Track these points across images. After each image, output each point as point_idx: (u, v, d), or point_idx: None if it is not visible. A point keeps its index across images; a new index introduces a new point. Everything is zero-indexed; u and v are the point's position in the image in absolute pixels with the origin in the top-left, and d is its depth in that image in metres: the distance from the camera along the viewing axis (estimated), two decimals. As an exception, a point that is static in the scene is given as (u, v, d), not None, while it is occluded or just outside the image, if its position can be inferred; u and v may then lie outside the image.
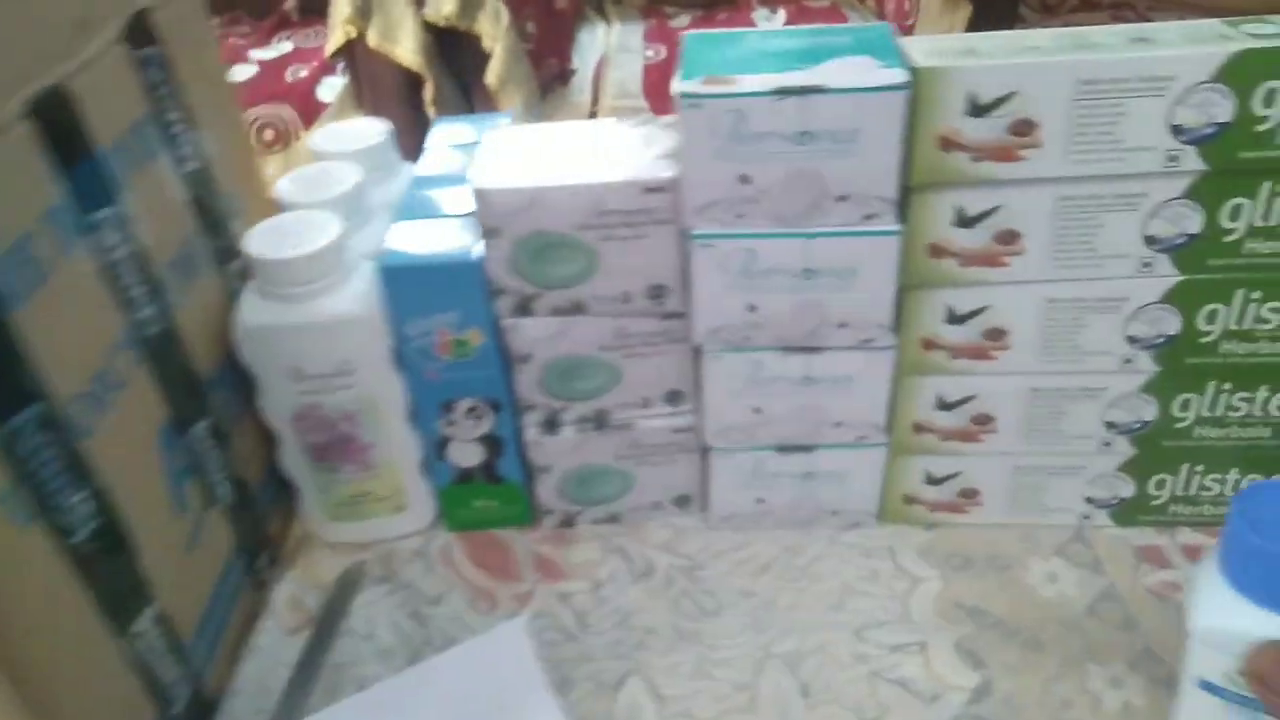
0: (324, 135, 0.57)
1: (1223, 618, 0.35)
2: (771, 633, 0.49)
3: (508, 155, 0.48)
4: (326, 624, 0.51)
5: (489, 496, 0.55)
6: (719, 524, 0.55)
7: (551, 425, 0.53)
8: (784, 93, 0.41)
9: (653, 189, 0.45)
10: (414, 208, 0.52)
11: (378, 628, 0.52)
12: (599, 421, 0.53)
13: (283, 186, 0.53)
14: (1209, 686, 0.36)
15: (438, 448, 0.54)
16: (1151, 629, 0.48)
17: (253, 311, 0.48)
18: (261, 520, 0.55)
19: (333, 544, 0.56)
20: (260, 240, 0.48)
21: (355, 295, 0.48)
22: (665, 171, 0.45)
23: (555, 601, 0.52)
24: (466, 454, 0.54)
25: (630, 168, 0.45)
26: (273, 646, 0.51)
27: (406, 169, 0.58)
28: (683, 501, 0.56)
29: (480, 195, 0.45)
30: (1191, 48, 0.40)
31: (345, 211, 0.51)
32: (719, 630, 0.50)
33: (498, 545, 0.56)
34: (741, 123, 0.42)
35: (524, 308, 0.49)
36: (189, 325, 0.47)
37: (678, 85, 0.41)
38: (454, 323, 0.49)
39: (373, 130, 0.57)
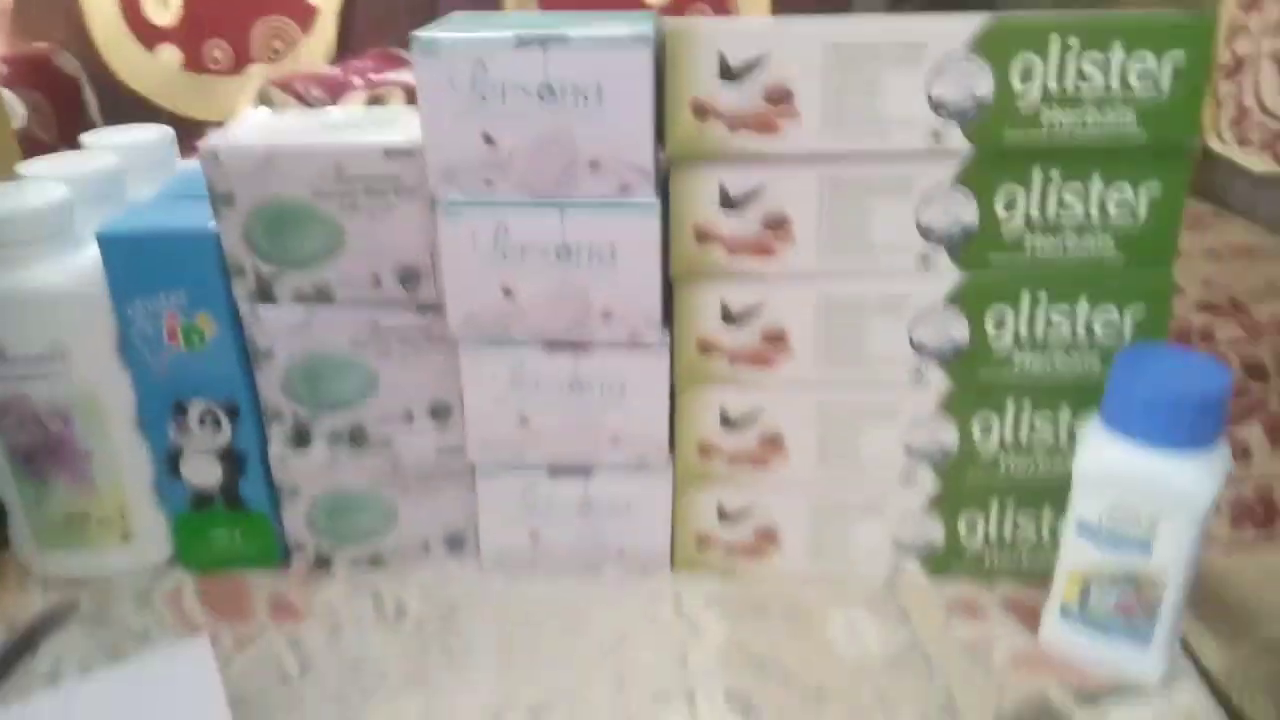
0: (99, 135, 0.54)
1: (1100, 458, 0.39)
2: (519, 682, 0.42)
3: (256, 127, 0.45)
4: (8, 658, 0.43)
5: (230, 525, 0.49)
6: (492, 566, 0.49)
7: (300, 439, 0.47)
8: (524, 41, 0.39)
9: (395, 153, 0.41)
10: (168, 192, 0.48)
11: (64, 667, 0.43)
12: (355, 437, 0.47)
13: (33, 167, 0.49)
14: (1086, 528, 0.40)
15: (169, 462, 0.47)
16: (954, 683, 0.41)
17: (-46, 279, 0.43)
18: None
19: (46, 578, 0.49)
20: (-28, 200, 0.43)
21: (74, 268, 0.44)
22: (410, 135, 0.42)
23: (283, 645, 0.45)
24: (203, 470, 0.47)
25: (376, 135, 0.42)
26: (-76, 680, 0.42)
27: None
28: (455, 543, 0.50)
29: (209, 156, 0.42)
30: (942, 20, 0.39)
31: (93, 193, 0.47)
32: (460, 678, 0.43)
33: (237, 586, 0.49)
34: (481, 73, 0.39)
35: (264, 292, 0.44)
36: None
37: (415, 34, 0.39)
38: (183, 304, 0.44)
39: (152, 130, 0.54)
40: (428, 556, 0.50)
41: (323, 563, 0.49)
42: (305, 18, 1.43)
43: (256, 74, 1.41)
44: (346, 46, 1.41)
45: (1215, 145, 1.10)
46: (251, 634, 0.45)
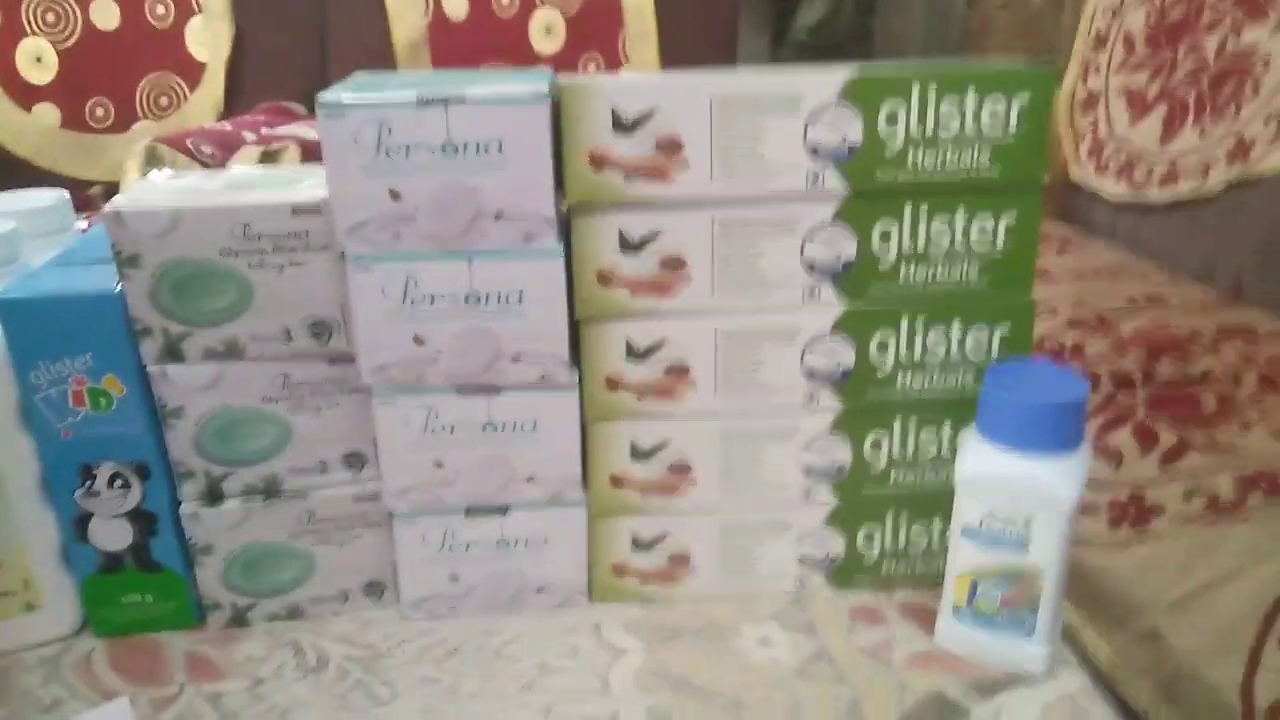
0: (2, 199, 0.53)
1: (976, 466, 0.43)
2: (445, 716, 0.43)
3: (157, 188, 0.45)
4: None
5: (142, 589, 0.48)
6: (412, 611, 0.49)
7: (213, 496, 0.47)
8: (426, 102, 0.40)
9: (302, 210, 0.43)
10: (68, 257, 0.48)
11: (-32, 744, 0.42)
12: (269, 490, 0.47)
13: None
14: (969, 533, 0.43)
15: (77, 527, 0.47)
16: (860, 685, 0.44)
17: None
18: None
19: (-55, 657, 0.47)
20: None
21: (-31, 334, 0.43)
22: (316, 193, 0.43)
23: (203, 703, 0.44)
24: (112, 534, 0.47)
25: (282, 193, 0.44)
26: None
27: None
28: (374, 590, 0.50)
29: (114, 219, 0.42)
30: (816, 72, 0.42)
31: (-12, 258, 0.46)
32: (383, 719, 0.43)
33: (149, 648, 0.48)
34: (385, 133, 0.41)
35: (172, 351, 0.44)
36: None
37: (320, 96, 0.41)
38: (89, 368, 0.44)
39: (48, 195, 0.54)
40: (347, 605, 0.50)
41: (239, 619, 0.49)
42: (192, 73, 1.41)
43: (143, 131, 1.38)
44: (235, 101, 1.40)
45: (1075, 173, 1.18)
46: (170, 695, 0.45)
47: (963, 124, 0.43)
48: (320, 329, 0.45)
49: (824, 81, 0.42)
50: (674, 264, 0.44)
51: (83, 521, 0.47)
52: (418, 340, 0.44)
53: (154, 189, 0.45)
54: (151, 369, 0.45)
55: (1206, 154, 1.04)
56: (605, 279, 0.44)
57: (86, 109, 1.41)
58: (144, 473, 0.46)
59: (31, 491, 0.46)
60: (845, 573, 0.50)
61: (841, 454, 0.48)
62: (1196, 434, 0.75)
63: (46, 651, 0.48)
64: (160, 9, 1.42)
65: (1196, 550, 0.64)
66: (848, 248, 0.45)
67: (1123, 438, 0.71)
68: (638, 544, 0.49)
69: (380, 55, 1.36)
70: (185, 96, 1.43)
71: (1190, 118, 1.09)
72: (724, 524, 0.49)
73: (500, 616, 0.49)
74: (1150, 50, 1.19)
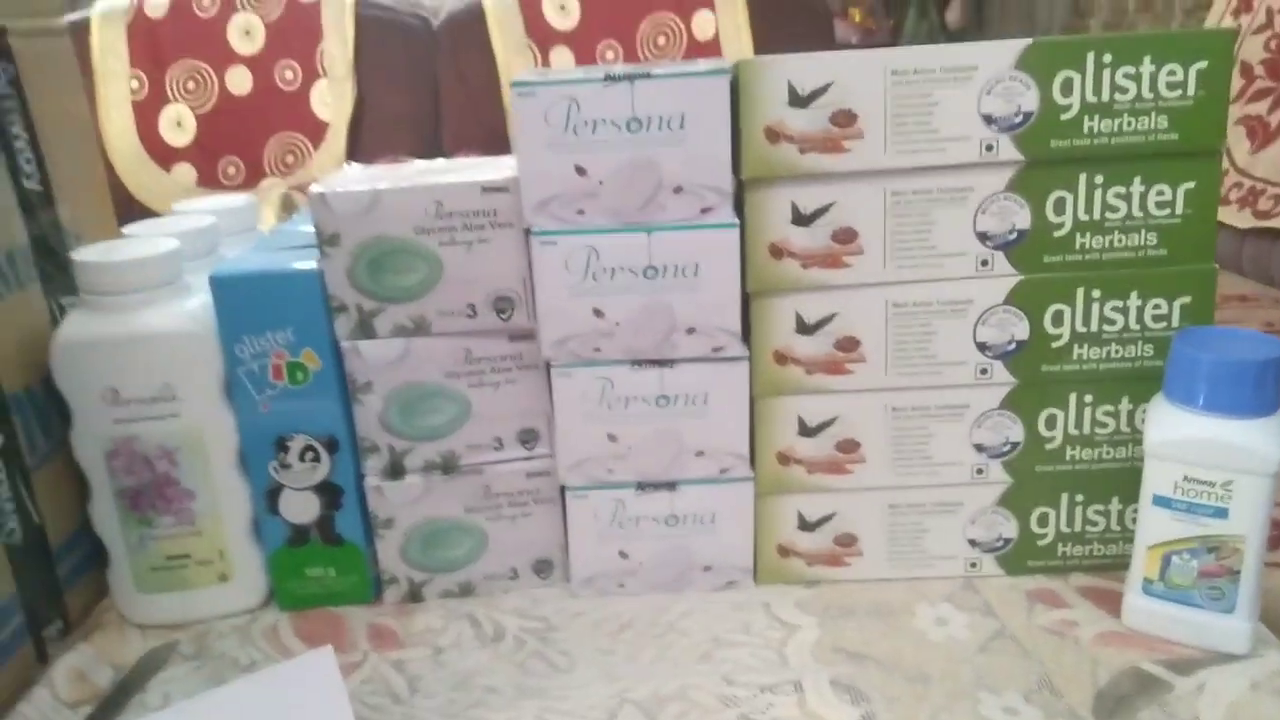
0: (190, 203, 0.57)
1: (1169, 430, 0.42)
2: (627, 682, 0.43)
3: (357, 176, 0.48)
4: (113, 698, 0.44)
5: (325, 562, 0.50)
6: (581, 587, 0.50)
7: (395, 470, 0.49)
8: (612, 79, 0.43)
9: (492, 189, 0.45)
10: (266, 244, 0.51)
11: (173, 699, 0.44)
12: (447, 465, 0.49)
13: (133, 227, 0.52)
14: (1162, 501, 0.42)
15: (269, 499, 0.49)
16: (1048, 661, 0.43)
17: (71, 326, 0.46)
18: (59, 584, 0.48)
19: (144, 623, 0.50)
20: (91, 251, 0.46)
21: (184, 310, 0.46)
22: (505, 173, 0.45)
23: (388, 669, 0.46)
24: (301, 506, 0.49)
25: (472, 174, 0.46)
26: (41, 717, 0.43)
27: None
28: (543, 568, 0.51)
29: (319, 200, 0.45)
30: (991, 42, 0.43)
31: (194, 247, 0.50)
32: (568, 684, 0.44)
33: (333, 620, 0.50)
34: (574, 109, 0.43)
35: (365, 326, 0.47)
36: (0, 334, 0.44)
37: (514, 78, 0.43)
38: (289, 342, 0.46)
39: (239, 198, 0.58)
40: (516, 582, 0.51)
41: (415, 595, 0.51)
42: (316, 132, 1.50)
43: (269, 187, 1.47)
44: (355, 157, 1.47)
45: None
46: (355, 661, 0.46)
47: (1139, 90, 0.43)
48: (503, 305, 0.47)
49: (999, 50, 0.43)
50: (846, 236, 0.45)
51: (274, 494, 0.49)
52: (597, 313, 0.45)
53: (350, 178, 0.48)
54: (345, 344, 0.47)
55: (1337, 179, 1.00)
56: (777, 252, 0.45)
57: (219, 168, 1.50)
58: (333, 447, 0.48)
59: (230, 464, 0.48)
60: (1019, 556, 0.49)
61: (1014, 431, 0.47)
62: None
63: (237, 621, 0.50)
64: (289, 74, 1.51)
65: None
66: (1021, 218, 0.45)
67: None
68: (804, 523, 0.49)
69: (489, 110, 1.43)
70: (310, 154, 1.51)
71: (1317, 144, 1.06)
72: (892, 503, 0.49)
73: (668, 595, 0.50)
74: (1271, 79, 1.17)
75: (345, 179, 0.47)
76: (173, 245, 0.47)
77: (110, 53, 1.52)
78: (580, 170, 0.44)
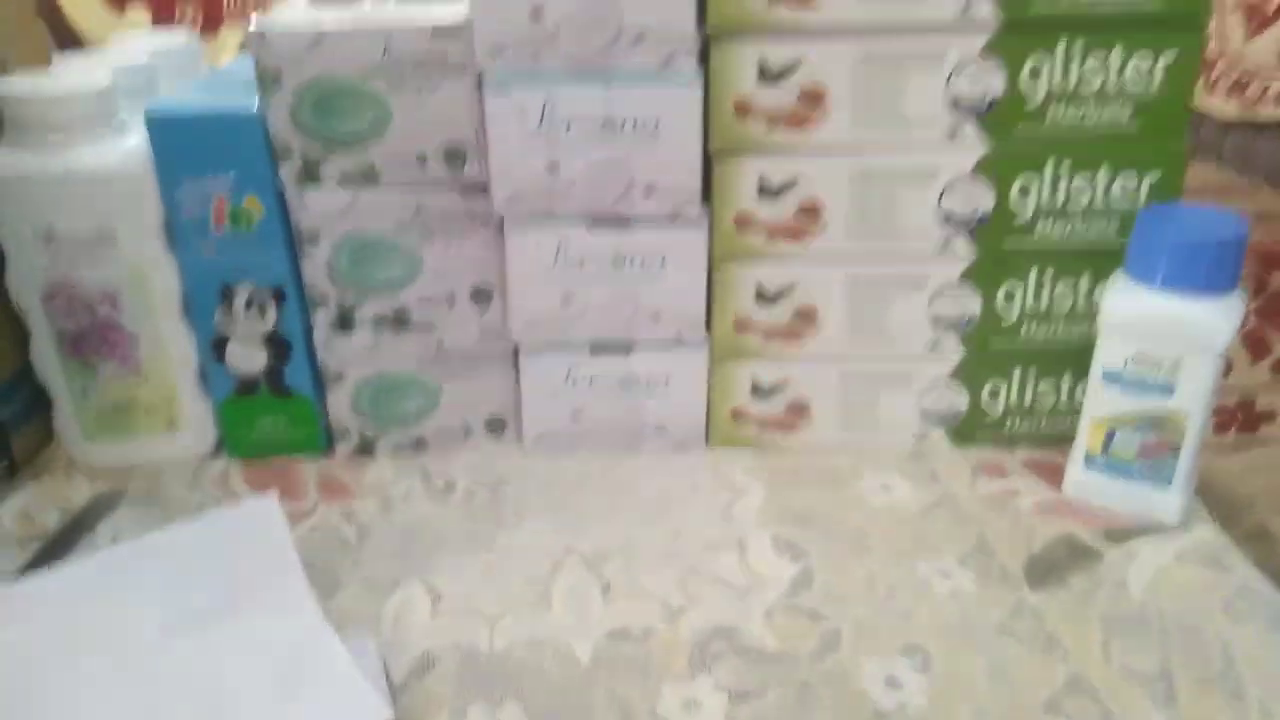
0: (129, 38, 0.54)
1: (1126, 306, 0.41)
2: (574, 536, 0.44)
3: (301, 13, 0.45)
4: (62, 536, 0.44)
5: (276, 412, 0.50)
6: (534, 446, 0.50)
7: (345, 323, 0.48)
8: (573, -88, 0.40)
9: (443, 32, 0.42)
10: (208, 84, 0.48)
11: (122, 540, 0.44)
12: (398, 320, 0.48)
13: (66, 60, 0.49)
14: (1111, 376, 0.42)
15: (215, 349, 0.48)
16: (986, 528, 0.44)
17: (2, 163, 0.44)
18: (2, 427, 0.48)
19: (93, 468, 0.49)
20: (19, 84, 0.44)
21: (121, 149, 0.44)
22: (458, 14, 0.43)
23: (337, 518, 0.46)
24: (248, 357, 0.48)
25: (424, 15, 0.43)
26: (-13, 555, 0.43)
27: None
28: (495, 426, 0.51)
29: (259, 38, 0.42)
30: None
31: (129, 86, 0.47)
32: (516, 535, 0.44)
33: (284, 469, 0.50)
34: (531, -56, 0.40)
35: (310, 174, 0.45)
36: (-78, 168, 0.42)
37: (466, -93, 0.40)
38: (231, 186, 0.45)
39: (179, 35, 0.55)
40: (469, 439, 0.51)
41: (366, 448, 0.51)
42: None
43: (231, 32, 1.39)
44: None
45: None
46: (305, 509, 0.46)
47: (1129, -51, 0.41)
48: (455, 156, 0.45)
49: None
50: (813, 96, 0.43)
51: (220, 344, 0.48)
52: (552, 168, 0.44)
53: (295, 12, 0.45)
54: (289, 192, 0.45)
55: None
56: (742, 110, 0.43)
57: (176, 10, 1.42)
58: (279, 297, 0.47)
59: (174, 311, 0.47)
60: (967, 428, 0.50)
61: (971, 304, 0.47)
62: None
63: (186, 468, 0.50)
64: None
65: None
66: (995, 84, 0.43)
67: (1233, 345, 0.69)
68: (758, 390, 0.49)
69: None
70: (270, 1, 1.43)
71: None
72: (846, 373, 0.49)
73: (619, 456, 0.50)
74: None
75: (288, 16, 0.44)
76: (105, 80, 0.44)
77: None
78: (536, 13, 0.41)
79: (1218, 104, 1.11)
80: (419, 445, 0.51)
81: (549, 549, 0.43)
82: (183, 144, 0.44)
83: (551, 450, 0.50)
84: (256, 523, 0.40)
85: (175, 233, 0.46)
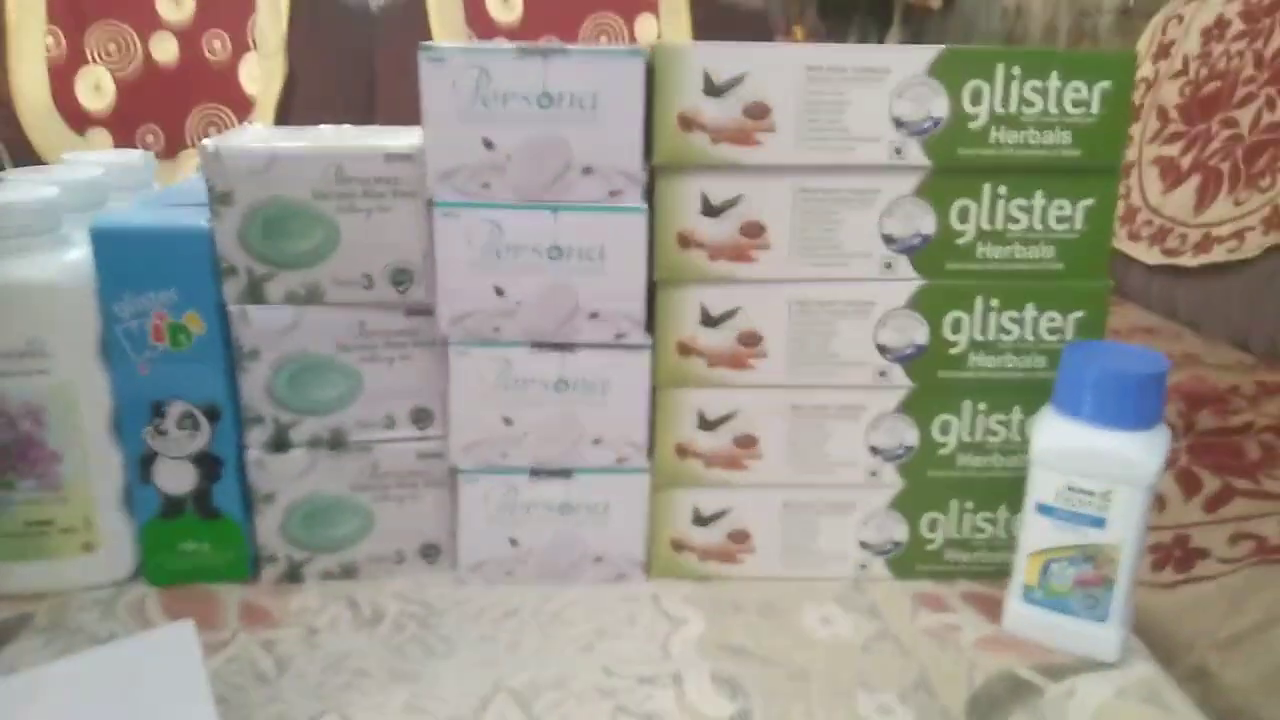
0: (81, 155, 0.55)
1: (1055, 439, 0.42)
2: (505, 670, 0.42)
3: (256, 134, 0.46)
4: (-45, 668, 0.41)
5: (200, 536, 0.48)
6: (469, 574, 0.49)
7: (279, 444, 0.47)
8: (525, 52, 0.42)
9: (395, 157, 0.44)
10: (156, 200, 0.49)
11: (21, 670, 0.41)
12: (335, 441, 0.47)
13: (16, 174, 0.49)
14: (1044, 509, 0.43)
15: (142, 466, 0.47)
16: (927, 663, 0.43)
17: (-65, 270, 0.43)
18: (-96, 546, 0.45)
19: (0, 594, 0.47)
20: (-40, 194, 0.44)
21: (60, 262, 0.44)
22: (410, 141, 0.44)
23: (256, 648, 0.44)
24: (177, 476, 0.47)
25: (377, 141, 0.45)
26: None
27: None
28: (430, 552, 0.50)
29: (213, 155, 0.43)
30: (905, 48, 0.43)
31: (78, 201, 0.47)
32: (444, 670, 0.42)
33: (205, 596, 0.47)
34: (484, 81, 0.42)
35: (255, 292, 0.45)
36: None
37: (422, 43, 0.42)
38: (172, 303, 0.44)
39: (132, 153, 0.55)
40: (402, 567, 0.50)
41: (294, 575, 0.49)
42: (243, 107, 1.45)
43: (190, 158, 1.42)
44: (283, 134, 1.43)
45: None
46: (224, 639, 0.44)
47: (1045, 105, 0.44)
48: (402, 277, 0.45)
49: (912, 55, 0.43)
50: (753, 230, 0.45)
51: (148, 462, 0.47)
52: (498, 291, 0.44)
53: (248, 136, 0.46)
54: (232, 308, 0.45)
55: (1241, 223, 1.05)
56: (685, 241, 0.45)
57: (138, 136, 1.44)
58: (214, 415, 0.46)
59: (102, 428, 0.46)
60: (908, 560, 0.49)
61: (909, 435, 0.48)
62: (1240, 481, 0.74)
63: (101, 594, 0.47)
64: (217, 44, 1.47)
65: (1245, 590, 0.63)
66: (926, 223, 0.45)
67: (1166, 483, 0.70)
68: (699, 518, 0.49)
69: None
70: (234, 128, 1.47)
71: (1225, 188, 1.11)
72: (787, 501, 0.49)
73: (557, 585, 0.49)
74: (1184, 123, 1.21)
75: (243, 136, 0.45)
76: (51, 192, 0.44)
77: (26, 7, 1.45)
78: (488, 143, 0.43)
79: (1142, 251, 1.17)
80: (349, 571, 0.49)
81: (478, 684, 0.41)
82: (127, 258, 0.44)
83: (487, 579, 0.49)
84: (170, 651, 0.38)
85: (110, 348, 0.45)
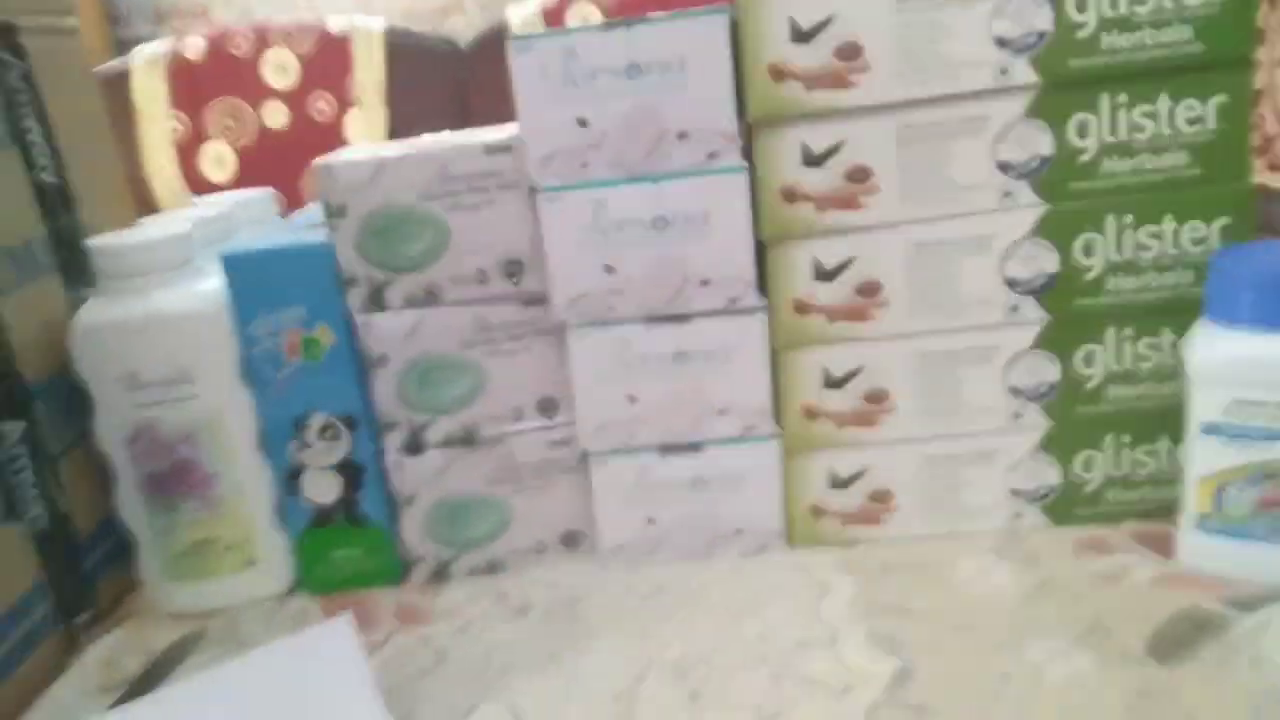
0: (210, 197, 0.58)
1: (1215, 351, 0.39)
2: (656, 646, 0.42)
3: (361, 148, 0.48)
4: (144, 681, 0.44)
5: (351, 543, 0.49)
6: (610, 557, 0.49)
7: (415, 445, 0.48)
8: (610, 25, 0.42)
9: (495, 149, 0.44)
10: (278, 228, 0.51)
11: (201, 681, 0.44)
12: (467, 438, 0.48)
13: (150, 219, 0.53)
14: (1211, 428, 0.40)
15: (290, 481, 0.49)
16: (1100, 607, 0.41)
17: (89, 311, 0.46)
18: (88, 572, 0.48)
19: (174, 612, 0.49)
20: (105, 238, 0.47)
21: (198, 291, 0.46)
22: (508, 132, 0.45)
23: (414, 644, 0.45)
24: (323, 486, 0.49)
25: (471, 137, 0.45)
26: (73, 700, 0.43)
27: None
28: (570, 540, 0.50)
29: (324, 171, 0.45)
30: (996, -36, 0.42)
31: (211, 232, 0.50)
32: (596, 651, 0.42)
33: (360, 601, 0.49)
34: (572, 60, 0.42)
35: (376, 299, 0.46)
36: (20, 323, 0.44)
37: (512, 36, 0.43)
38: (302, 318, 0.46)
39: (256, 191, 0.58)
40: (544, 557, 0.50)
41: (442, 574, 0.50)
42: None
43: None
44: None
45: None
46: (381, 639, 0.45)
47: (1160, 2, 0.41)
48: (514, 268, 0.46)
49: (1006, -30, 0.41)
50: (859, 175, 0.44)
51: (295, 475, 0.49)
52: (608, 269, 0.45)
53: (358, 149, 0.48)
54: (358, 318, 0.47)
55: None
56: (790, 196, 0.44)
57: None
58: (351, 424, 0.48)
59: (251, 446, 0.48)
60: (1065, 504, 0.47)
61: (1049, 371, 0.45)
62: None
63: (265, 607, 0.49)
64: (323, 105, 1.54)
65: None
66: (1043, 145, 0.43)
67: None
68: (835, 481, 0.47)
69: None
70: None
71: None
72: (926, 455, 0.47)
73: (698, 563, 0.48)
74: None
75: (352, 152, 0.47)
76: (184, 228, 0.47)
77: (151, 97, 1.56)
78: (582, 122, 0.43)
79: (1286, 181, 1.09)
80: (494, 567, 0.50)
81: (631, 662, 0.41)
82: (256, 280, 0.46)
83: (628, 561, 0.49)
84: (331, 646, 0.39)
85: (250, 368, 0.47)
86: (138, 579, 0.50)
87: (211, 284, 0.47)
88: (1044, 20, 0.41)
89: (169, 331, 0.46)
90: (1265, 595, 0.39)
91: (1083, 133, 0.43)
